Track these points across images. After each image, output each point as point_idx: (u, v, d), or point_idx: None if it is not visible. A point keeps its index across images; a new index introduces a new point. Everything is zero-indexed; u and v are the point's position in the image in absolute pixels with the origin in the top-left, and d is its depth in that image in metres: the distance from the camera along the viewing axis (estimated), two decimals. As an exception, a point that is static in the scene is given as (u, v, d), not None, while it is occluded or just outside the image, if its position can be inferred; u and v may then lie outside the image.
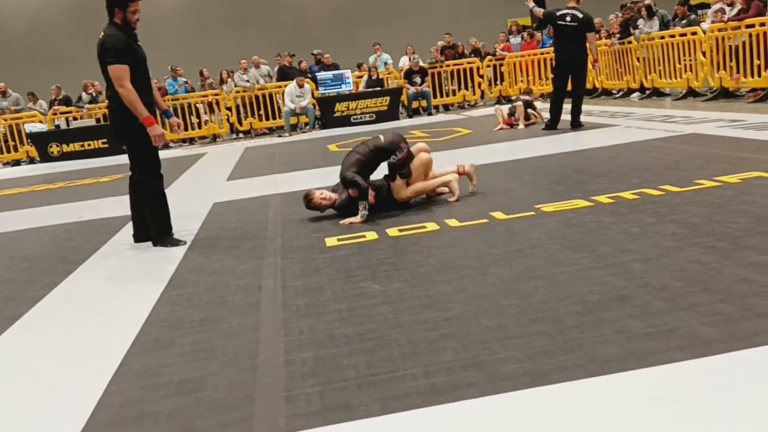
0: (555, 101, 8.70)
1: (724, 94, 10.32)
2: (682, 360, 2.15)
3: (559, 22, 8.47)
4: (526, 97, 10.12)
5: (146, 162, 4.73)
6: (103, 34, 4.65)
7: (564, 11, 8.52)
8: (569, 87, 8.69)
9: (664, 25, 11.90)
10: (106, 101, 4.91)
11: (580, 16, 8.46)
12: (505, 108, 10.21)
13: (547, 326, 2.53)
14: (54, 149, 13.80)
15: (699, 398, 1.93)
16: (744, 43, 9.73)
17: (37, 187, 9.58)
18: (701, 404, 1.90)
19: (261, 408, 2.20)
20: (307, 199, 5.02)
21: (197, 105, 14.55)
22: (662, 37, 11.40)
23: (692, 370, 2.10)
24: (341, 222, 4.73)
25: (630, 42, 12.16)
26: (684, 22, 11.40)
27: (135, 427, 2.19)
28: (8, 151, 14.49)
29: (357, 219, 4.68)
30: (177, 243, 4.75)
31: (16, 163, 14.43)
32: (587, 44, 8.54)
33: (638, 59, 12.01)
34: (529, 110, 9.83)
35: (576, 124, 8.57)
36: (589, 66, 8.84)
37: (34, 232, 5.89)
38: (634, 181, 4.89)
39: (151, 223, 4.78)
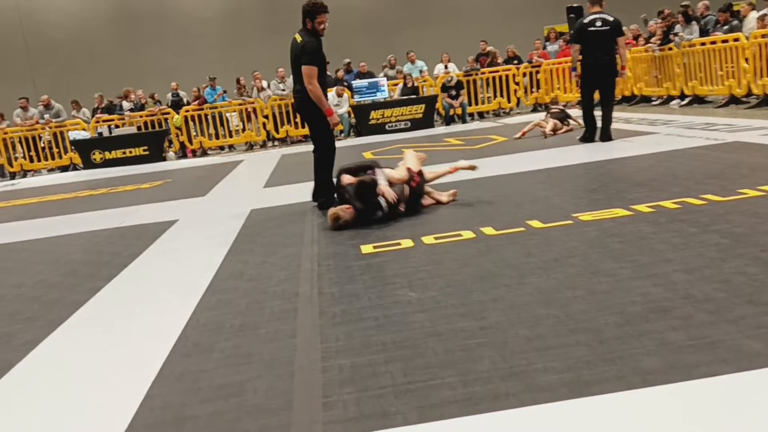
0: (588, 113, 8.23)
1: (767, 102, 10.07)
2: (726, 373, 2.11)
3: (590, 29, 8.00)
4: (557, 108, 10.13)
5: (324, 142, 5.93)
6: (299, 38, 5.73)
7: (592, 17, 8.03)
8: (596, 96, 8.27)
9: (704, 31, 11.69)
10: (292, 93, 6.21)
11: (611, 19, 8.04)
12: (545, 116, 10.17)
13: (586, 337, 2.50)
14: (96, 156, 14.13)
15: (744, 412, 1.89)
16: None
17: (80, 193, 9.83)
18: (746, 419, 1.86)
19: (298, 414, 2.22)
20: (334, 218, 4.99)
21: (234, 113, 14.79)
22: (703, 44, 11.20)
23: (737, 383, 2.05)
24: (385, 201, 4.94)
25: (670, 49, 11.97)
26: (726, 28, 11.18)
27: (175, 430, 2.23)
28: (53, 158, 14.90)
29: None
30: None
31: (65, 168, 14.82)
32: (618, 50, 8.13)
33: (678, 66, 11.81)
34: (569, 120, 9.81)
35: (607, 137, 8.12)
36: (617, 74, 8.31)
37: (78, 237, 6.04)
38: (674, 190, 4.81)
39: (324, 190, 5.89)
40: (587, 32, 8.03)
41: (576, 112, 10.17)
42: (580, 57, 8.18)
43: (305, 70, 5.60)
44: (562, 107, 10.54)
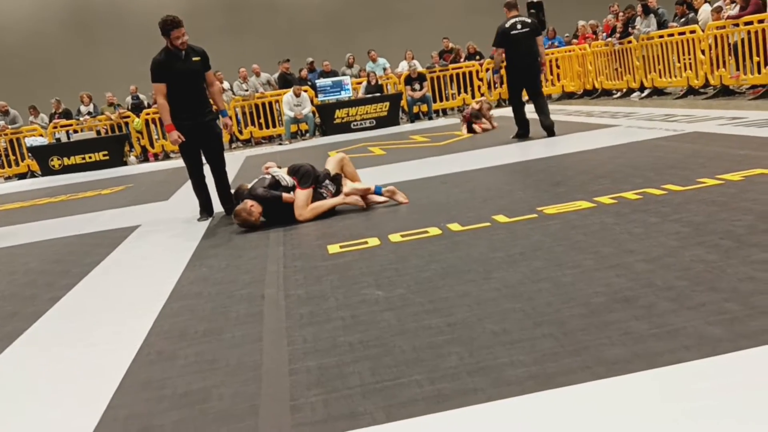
0: (519, 111, 8.51)
1: (724, 92, 10.31)
2: (689, 360, 2.13)
3: (512, 32, 8.29)
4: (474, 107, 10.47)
5: (184, 158, 6.08)
6: None
7: (512, 21, 8.36)
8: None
9: (661, 24, 11.92)
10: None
11: (528, 21, 8.43)
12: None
13: (552, 329, 2.51)
14: (55, 162, 13.83)
15: (707, 398, 1.91)
16: (743, 40, 9.73)
17: (38, 201, 9.59)
18: (710, 404, 1.88)
19: (266, 418, 2.18)
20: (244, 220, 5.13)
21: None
22: (661, 36, 11.41)
23: (700, 369, 2.08)
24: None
25: (630, 42, 12.16)
26: (682, 20, 11.41)
27: (139, 440, 2.18)
28: (10, 166, 14.52)
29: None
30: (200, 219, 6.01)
31: (22, 176, 14.46)
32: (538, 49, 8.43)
33: (638, 59, 12.01)
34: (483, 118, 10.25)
35: (551, 132, 8.31)
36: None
37: (35, 246, 5.88)
38: (636, 181, 4.88)
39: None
40: (510, 36, 8.33)
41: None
42: (504, 61, 8.58)
43: (153, 88, 5.79)
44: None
